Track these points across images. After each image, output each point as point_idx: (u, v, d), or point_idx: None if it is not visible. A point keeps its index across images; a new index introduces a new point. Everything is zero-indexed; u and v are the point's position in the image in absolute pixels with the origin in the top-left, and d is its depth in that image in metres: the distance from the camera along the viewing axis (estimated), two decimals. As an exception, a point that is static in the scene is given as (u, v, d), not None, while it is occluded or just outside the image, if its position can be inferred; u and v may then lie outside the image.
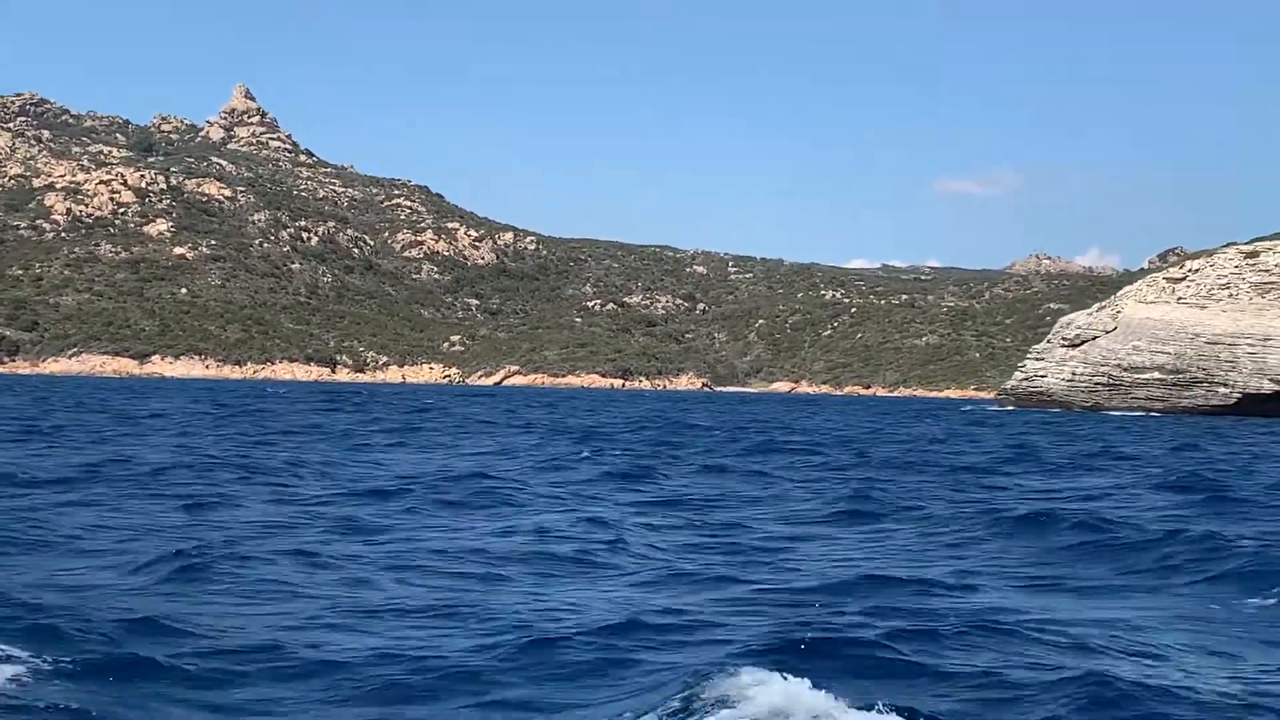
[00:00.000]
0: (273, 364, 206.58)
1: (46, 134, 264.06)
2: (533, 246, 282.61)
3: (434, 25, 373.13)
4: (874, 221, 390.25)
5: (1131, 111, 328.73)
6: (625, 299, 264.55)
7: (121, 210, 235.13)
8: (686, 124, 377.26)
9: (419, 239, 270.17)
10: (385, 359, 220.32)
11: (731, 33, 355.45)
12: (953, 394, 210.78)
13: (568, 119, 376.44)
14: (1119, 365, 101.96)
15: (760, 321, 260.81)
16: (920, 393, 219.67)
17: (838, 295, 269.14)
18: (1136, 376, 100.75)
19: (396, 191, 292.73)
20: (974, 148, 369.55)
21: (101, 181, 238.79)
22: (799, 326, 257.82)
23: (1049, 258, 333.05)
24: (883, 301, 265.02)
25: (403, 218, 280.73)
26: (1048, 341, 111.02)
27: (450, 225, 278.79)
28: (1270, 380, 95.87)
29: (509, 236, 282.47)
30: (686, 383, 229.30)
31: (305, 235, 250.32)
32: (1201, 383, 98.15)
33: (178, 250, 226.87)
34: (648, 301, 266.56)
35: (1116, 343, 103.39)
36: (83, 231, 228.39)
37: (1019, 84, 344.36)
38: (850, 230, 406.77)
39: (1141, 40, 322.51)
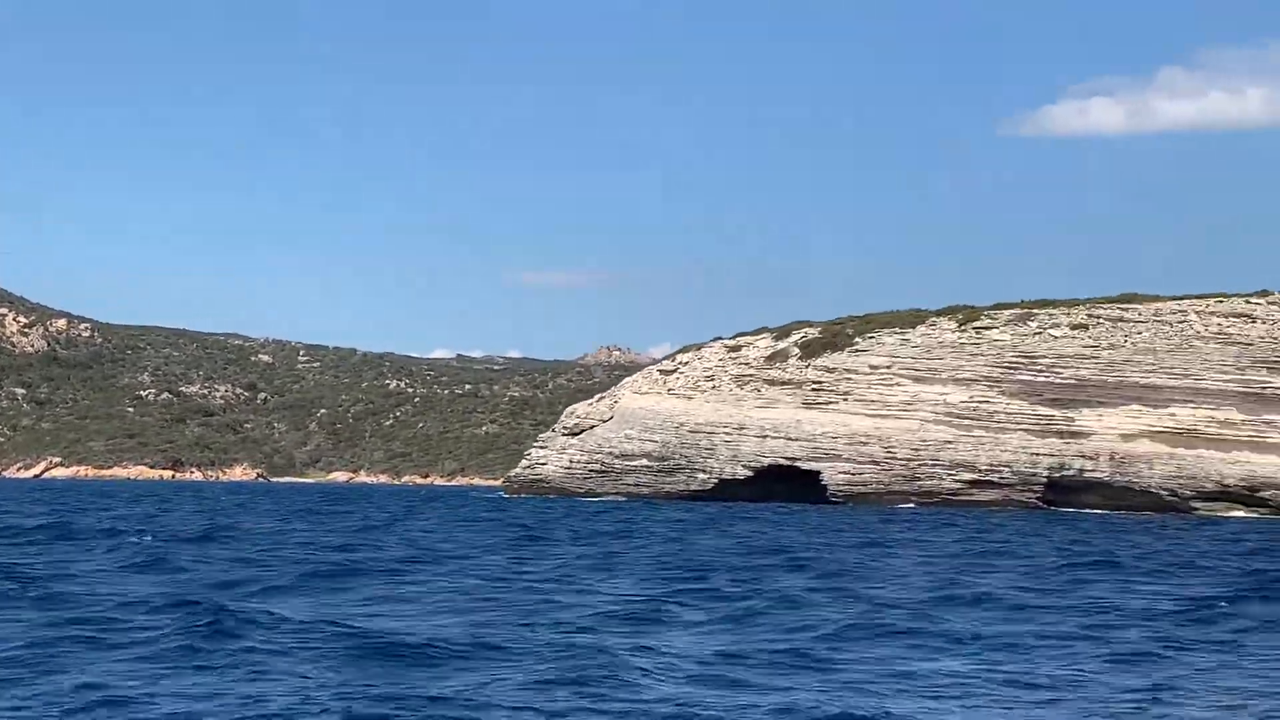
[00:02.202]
0: None
1: None
2: (87, 333, 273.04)
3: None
4: (457, 313, 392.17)
5: (707, 207, 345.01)
6: (182, 388, 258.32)
7: None
8: (268, 209, 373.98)
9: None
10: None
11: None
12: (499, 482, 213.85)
13: (144, 200, 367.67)
14: (611, 453, 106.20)
15: (322, 411, 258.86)
16: (478, 480, 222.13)
17: (402, 385, 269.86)
18: (627, 463, 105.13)
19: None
20: (559, 242, 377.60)
21: None
22: (360, 416, 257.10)
23: (619, 349, 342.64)
24: (446, 391, 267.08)
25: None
26: (553, 430, 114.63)
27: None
28: (744, 466, 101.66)
29: (62, 323, 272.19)
30: (241, 473, 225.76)
31: None
32: (684, 469, 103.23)
33: None
34: (205, 391, 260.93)
35: (611, 431, 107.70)
36: None
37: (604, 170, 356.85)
38: (433, 321, 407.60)
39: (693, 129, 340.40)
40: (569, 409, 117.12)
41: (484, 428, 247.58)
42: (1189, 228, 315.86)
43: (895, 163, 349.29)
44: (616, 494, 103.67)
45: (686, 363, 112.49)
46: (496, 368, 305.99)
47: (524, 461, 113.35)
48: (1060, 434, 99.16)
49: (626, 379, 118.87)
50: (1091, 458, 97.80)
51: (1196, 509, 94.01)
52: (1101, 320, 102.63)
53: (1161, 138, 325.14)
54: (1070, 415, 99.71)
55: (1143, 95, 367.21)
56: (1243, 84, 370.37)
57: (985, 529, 60.95)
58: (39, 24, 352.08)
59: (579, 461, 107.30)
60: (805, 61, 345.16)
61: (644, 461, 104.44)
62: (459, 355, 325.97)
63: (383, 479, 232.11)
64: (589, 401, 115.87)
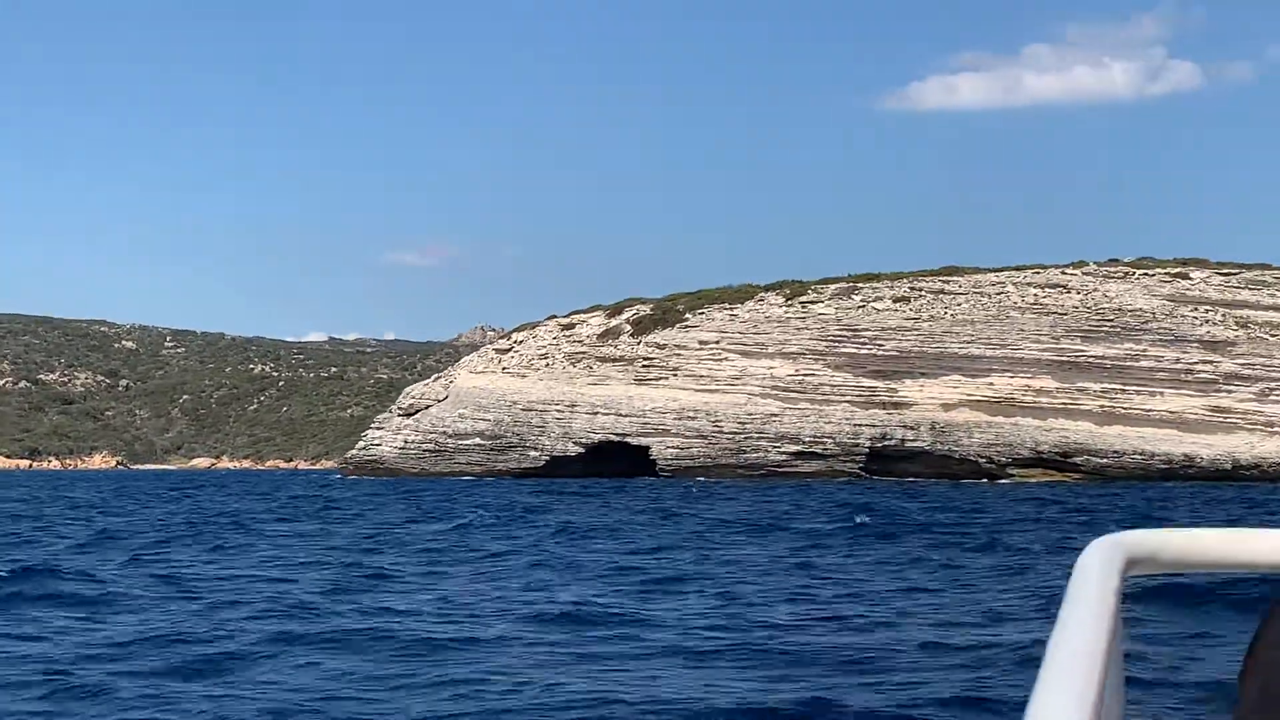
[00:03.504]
0: None
1: None
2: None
3: None
4: (328, 294, 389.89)
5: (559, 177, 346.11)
6: (40, 375, 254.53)
7: None
8: (143, 194, 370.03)
9: None
10: None
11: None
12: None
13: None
14: (445, 432, 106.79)
15: (185, 397, 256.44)
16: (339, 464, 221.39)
17: (268, 369, 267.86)
18: (460, 443, 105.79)
19: None
20: (418, 219, 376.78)
21: None
22: (225, 401, 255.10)
23: (493, 329, 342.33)
24: (312, 375, 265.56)
25: None
26: (389, 411, 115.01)
27: None
28: (574, 443, 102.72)
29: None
30: (100, 461, 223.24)
31: None
32: (516, 447, 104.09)
33: None
34: (65, 378, 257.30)
35: (446, 411, 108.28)
36: None
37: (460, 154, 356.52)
38: (307, 304, 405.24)
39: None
40: (407, 389, 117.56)
41: (349, 410, 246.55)
42: (1037, 199, 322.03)
43: (767, 138, 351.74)
44: (452, 473, 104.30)
45: (522, 341, 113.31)
46: (367, 350, 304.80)
47: (360, 443, 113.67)
48: (884, 405, 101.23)
49: (464, 358, 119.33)
50: (913, 428, 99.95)
51: (1013, 475, 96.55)
52: (923, 293, 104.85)
53: (1001, 114, 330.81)
54: (893, 386, 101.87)
55: (1010, 70, 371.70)
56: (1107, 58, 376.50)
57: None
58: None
59: (413, 441, 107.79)
60: (656, 31, 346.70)
61: (477, 440, 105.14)
62: (331, 338, 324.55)
63: (246, 464, 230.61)
64: (425, 382, 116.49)
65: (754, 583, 22.01)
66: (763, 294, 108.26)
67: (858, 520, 39.23)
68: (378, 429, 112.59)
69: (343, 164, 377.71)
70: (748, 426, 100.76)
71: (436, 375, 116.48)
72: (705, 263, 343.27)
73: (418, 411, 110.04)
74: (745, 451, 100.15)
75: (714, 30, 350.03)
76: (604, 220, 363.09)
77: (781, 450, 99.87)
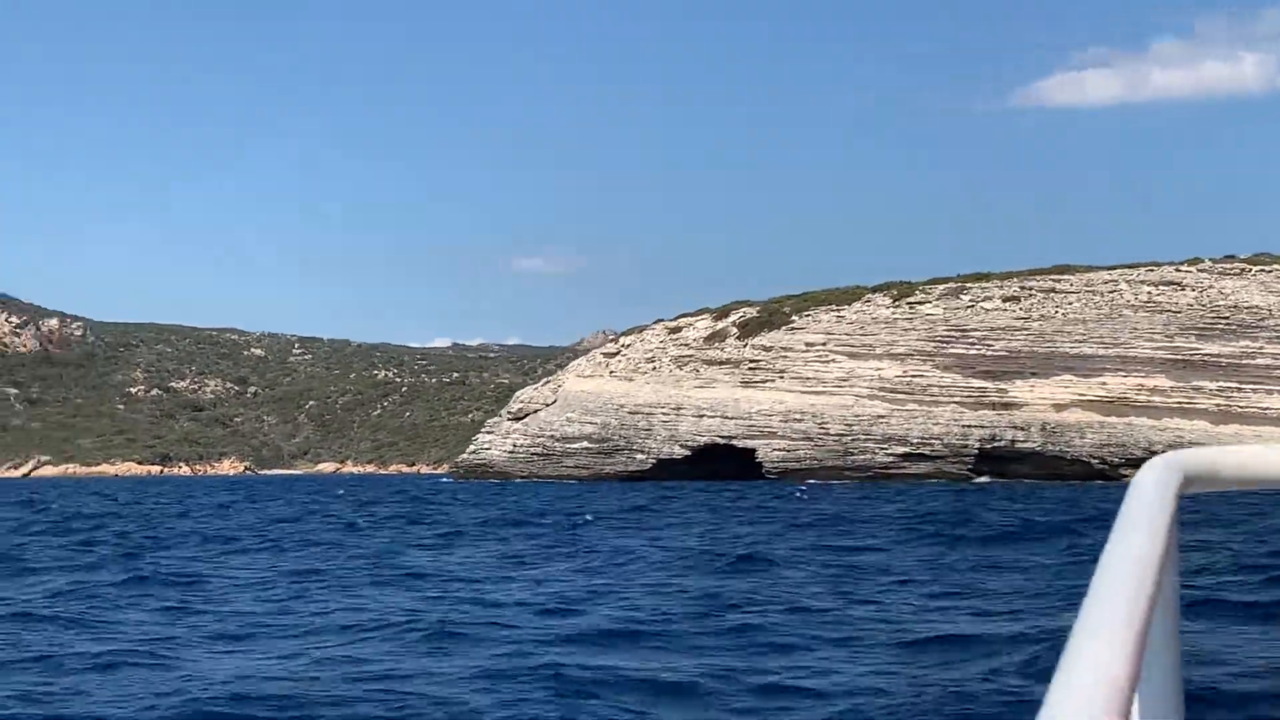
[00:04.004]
0: None
1: None
2: (79, 332, 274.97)
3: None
4: (456, 301, 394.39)
5: (682, 187, 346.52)
6: (172, 384, 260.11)
7: None
8: (265, 210, 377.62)
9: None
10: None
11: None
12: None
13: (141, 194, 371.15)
14: (553, 436, 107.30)
15: (311, 403, 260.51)
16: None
17: (391, 375, 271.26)
18: (567, 446, 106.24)
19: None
20: (544, 226, 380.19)
21: None
22: (349, 407, 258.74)
23: (614, 333, 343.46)
24: (435, 380, 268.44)
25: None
26: (499, 415, 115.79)
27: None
28: (681, 446, 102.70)
29: (54, 322, 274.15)
30: (229, 467, 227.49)
31: None
32: (623, 450, 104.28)
33: None
34: (196, 386, 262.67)
35: (554, 415, 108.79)
36: None
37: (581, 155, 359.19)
38: (433, 310, 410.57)
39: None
40: (516, 394, 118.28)
41: (470, 415, 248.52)
42: (1154, 196, 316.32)
43: (881, 137, 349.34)
44: (557, 477, 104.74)
45: (629, 345, 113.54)
46: (490, 355, 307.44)
47: (471, 447, 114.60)
48: (993, 405, 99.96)
49: (572, 363, 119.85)
50: (1023, 428, 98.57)
51: (1125, 476, 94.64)
52: (1034, 292, 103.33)
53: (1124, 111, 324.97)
54: (1003, 387, 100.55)
55: (1137, 66, 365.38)
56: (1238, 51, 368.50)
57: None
58: (35, 24, 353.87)
59: (521, 445, 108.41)
60: (762, 36, 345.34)
61: (584, 444, 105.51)
62: (454, 344, 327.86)
63: (369, 469, 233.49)
64: (535, 386, 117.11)
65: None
66: (870, 295, 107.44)
67: None
68: (488, 433, 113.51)
69: (473, 173, 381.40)
70: (854, 428, 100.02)
71: (546, 380, 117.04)
72: (813, 265, 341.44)
73: (526, 416, 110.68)
74: (852, 453, 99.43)
75: (845, 29, 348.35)
76: (715, 224, 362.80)
77: (889, 452, 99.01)
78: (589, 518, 43.85)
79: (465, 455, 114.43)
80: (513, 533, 36.79)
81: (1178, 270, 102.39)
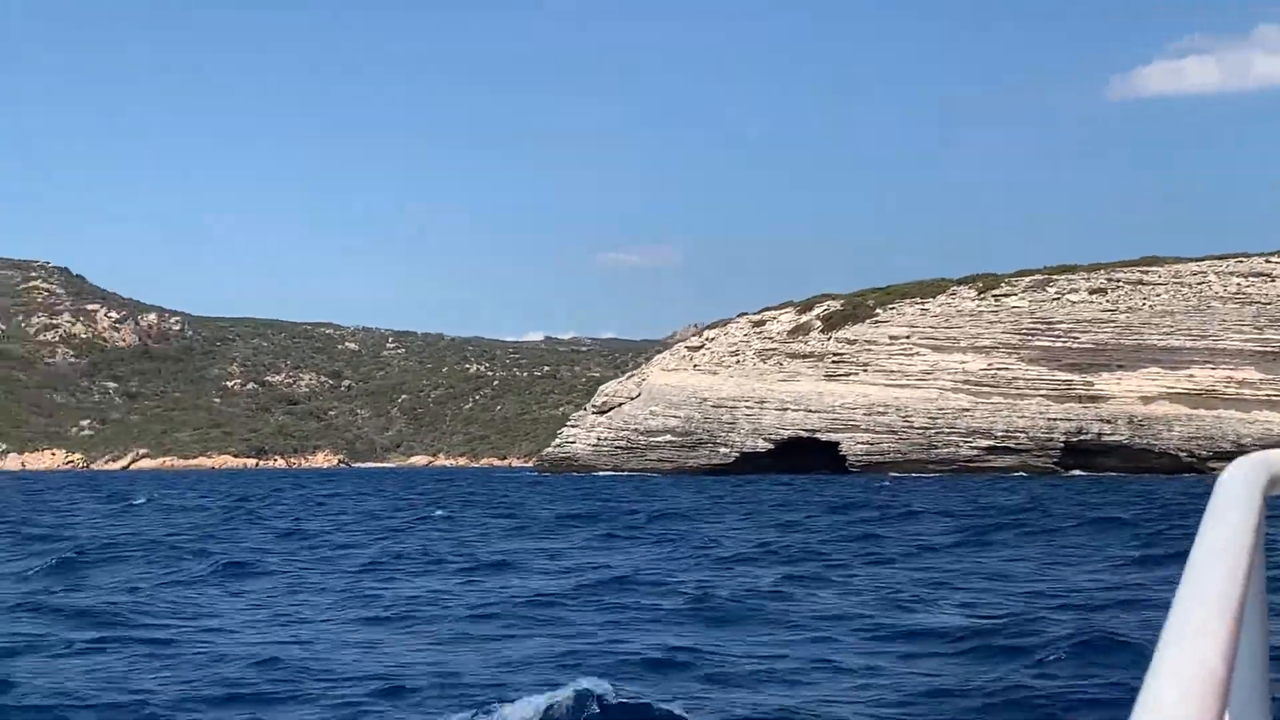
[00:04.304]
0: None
1: None
2: (178, 327, 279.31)
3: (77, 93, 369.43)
4: (549, 294, 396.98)
5: (784, 181, 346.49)
6: (268, 378, 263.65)
7: None
8: (364, 197, 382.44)
9: (54, 322, 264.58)
10: (4, 446, 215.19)
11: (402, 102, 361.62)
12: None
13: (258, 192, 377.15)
14: (637, 430, 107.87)
15: (404, 396, 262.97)
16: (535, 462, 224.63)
17: (483, 368, 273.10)
18: (651, 440, 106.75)
19: (33, 274, 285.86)
20: (635, 219, 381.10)
21: None
22: (441, 400, 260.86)
23: (706, 326, 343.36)
24: (526, 374, 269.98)
25: (38, 300, 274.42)
26: (584, 409, 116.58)
27: (90, 307, 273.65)
28: (764, 439, 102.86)
29: (153, 317, 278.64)
30: (322, 460, 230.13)
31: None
32: (706, 444, 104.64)
33: None
34: (290, 379, 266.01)
35: (638, 408, 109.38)
36: None
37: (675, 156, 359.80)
38: (527, 304, 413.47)
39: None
40: (602, 387, 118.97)
41: (560, 408, 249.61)
42: (1246, 185, 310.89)
43: (966, 127, 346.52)
44: (641, 470, 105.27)
45: (713, 339, 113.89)
46: (582, 349, 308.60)
47: (556, 440, 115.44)
48: (1079, 398, 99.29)
49: (657, 356, 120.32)
50: (1109, 421, 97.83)
51: (1213, 469, 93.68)
52: (1121, 284, 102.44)
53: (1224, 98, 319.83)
54: (1089, 379, 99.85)
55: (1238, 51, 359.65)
56: None
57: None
58: (116, 24, 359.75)
59: (606, 439, 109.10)
60: (843, 27, 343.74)
61: (668, 437, 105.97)
62: (547, 337, 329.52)
63: (461, 462, 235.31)
64: (619, 380, 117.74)
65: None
66: (954, 287, 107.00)
67: None
68: (573, 427, 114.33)
69: (565, 167, 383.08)
70: (938, 421, 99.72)
71: (630, 373, 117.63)
72: (900, 257, 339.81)
73: (611, 409, 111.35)
74: (936, 447, 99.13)
75: (933, 18, 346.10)
76: (803, 217, 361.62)
77: (973, 445, 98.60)
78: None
79: (550, 449, 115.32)
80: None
81: (1267, 261, 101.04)
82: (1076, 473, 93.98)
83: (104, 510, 52.07)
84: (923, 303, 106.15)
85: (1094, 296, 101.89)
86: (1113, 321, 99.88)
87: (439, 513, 45.70)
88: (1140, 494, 57.42)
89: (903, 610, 17.84)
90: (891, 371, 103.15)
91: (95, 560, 26.65)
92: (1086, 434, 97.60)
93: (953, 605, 18.31)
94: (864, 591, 20.12)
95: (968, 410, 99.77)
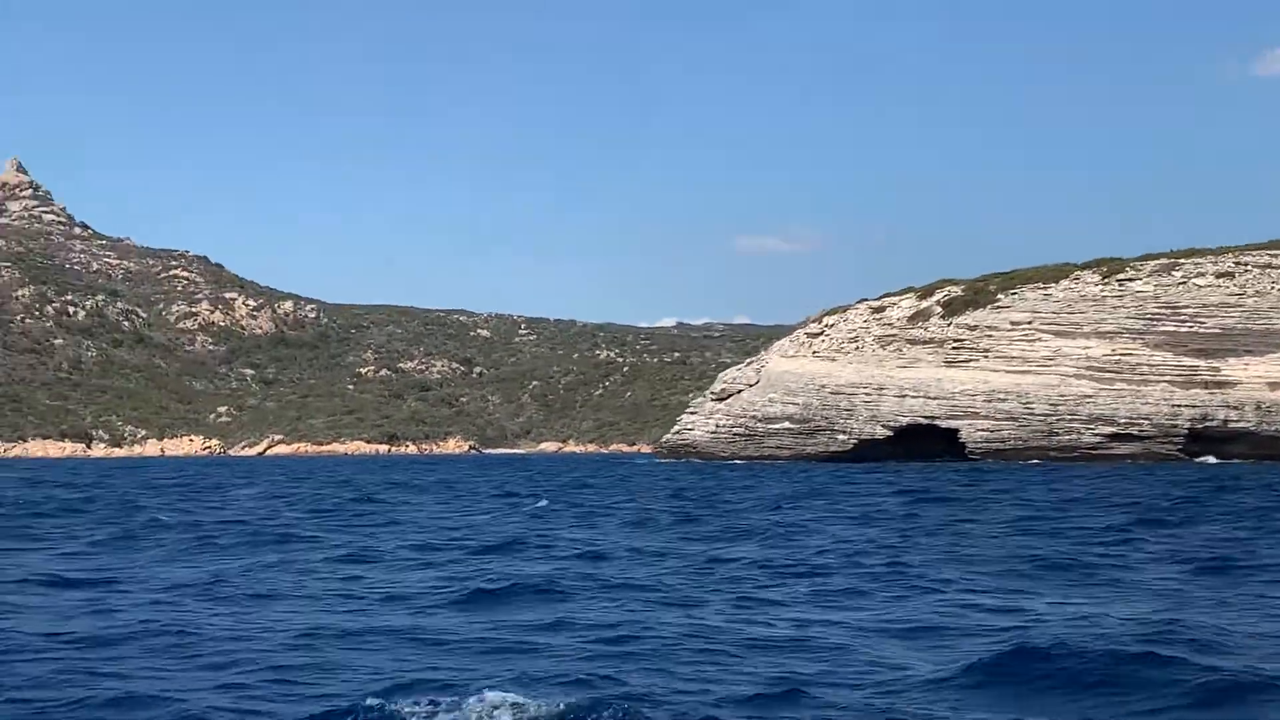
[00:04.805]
0: (24, 441, 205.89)
1: None
2: (313, 315, 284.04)
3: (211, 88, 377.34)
4: (683, 280, 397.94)
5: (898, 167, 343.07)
6: (400, 364, 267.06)
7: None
8: (502, 192, 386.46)
9: (193, 310, 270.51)
10: (144, 432, 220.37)
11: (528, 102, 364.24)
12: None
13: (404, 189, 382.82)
14: (755, 417, 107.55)
15: (534, 383, 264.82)
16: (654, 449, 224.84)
17: (613, 354, 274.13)
18: (769, 427, 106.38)
19: (174, 263, 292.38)
20: (772, 203, 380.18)
21: None
22: (571, 387, 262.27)
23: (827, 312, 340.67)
24: (656, 360, 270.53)
25: (179, 289, 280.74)
26: (703, 396, 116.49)
27: (228, 295, 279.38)
28: (883, 426, 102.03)
29: (289, 305, 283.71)
30: (454, 446, 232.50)
31: (71, 310, 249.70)
32: (824, 431, 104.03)
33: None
34: (423, 366, 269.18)
35: (757, 395, 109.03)
36: None
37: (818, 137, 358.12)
38: (662, 289, 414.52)
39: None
40: (721, 374, 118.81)
41: (690, 394, 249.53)
42: None
43: (1099, 109, 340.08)
44: (759, 457, 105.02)
45: (832, 325, 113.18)
46: (714, 335, 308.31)
47: (675, 427, 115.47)
48: (1205, 384, 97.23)
49: (775, 343, 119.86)
50: (1237, 407, 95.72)
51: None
52: (1249, 267, 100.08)
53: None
54: (1215, 365, 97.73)
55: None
56: None
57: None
58: (281, 30, 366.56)
59: (724, 426, 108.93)
60: (981, 20, 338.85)
61: (786, 424, 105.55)
62: (679, 323, 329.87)
63: (591, 448, 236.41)
64: (738, 366, 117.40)
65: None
66: (1078, 272, 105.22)
67: None
68: (691, 413, 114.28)
69: (701, 153, 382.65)
70: (1060, 408, 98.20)
71: (749, 360, 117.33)
72: (1023, 242, 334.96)
73: (730, 396, 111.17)
74: (1057, 433, 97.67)
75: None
76: (945, 202, 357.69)
77: (1095, 432, 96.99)
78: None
79: (669, 435, 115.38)
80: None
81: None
82: (1209, 460, 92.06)
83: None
84: (1045, 288, 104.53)
85: (1221, 280, 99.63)
86: (1240, 306, 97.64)
87: (542, 503, 45.97)
88: None
89: None
90: (1013, 357, 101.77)
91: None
92: (1212, 420, 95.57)
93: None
94: None
95: (1090, 396, 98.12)
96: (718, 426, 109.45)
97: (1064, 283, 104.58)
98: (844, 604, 18.35)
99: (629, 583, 20.53)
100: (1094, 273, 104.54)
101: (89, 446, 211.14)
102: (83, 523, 36.15)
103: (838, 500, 45.38)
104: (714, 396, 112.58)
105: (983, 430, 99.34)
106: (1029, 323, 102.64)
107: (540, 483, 66.81)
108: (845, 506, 41.38)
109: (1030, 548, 25.99)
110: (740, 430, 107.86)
